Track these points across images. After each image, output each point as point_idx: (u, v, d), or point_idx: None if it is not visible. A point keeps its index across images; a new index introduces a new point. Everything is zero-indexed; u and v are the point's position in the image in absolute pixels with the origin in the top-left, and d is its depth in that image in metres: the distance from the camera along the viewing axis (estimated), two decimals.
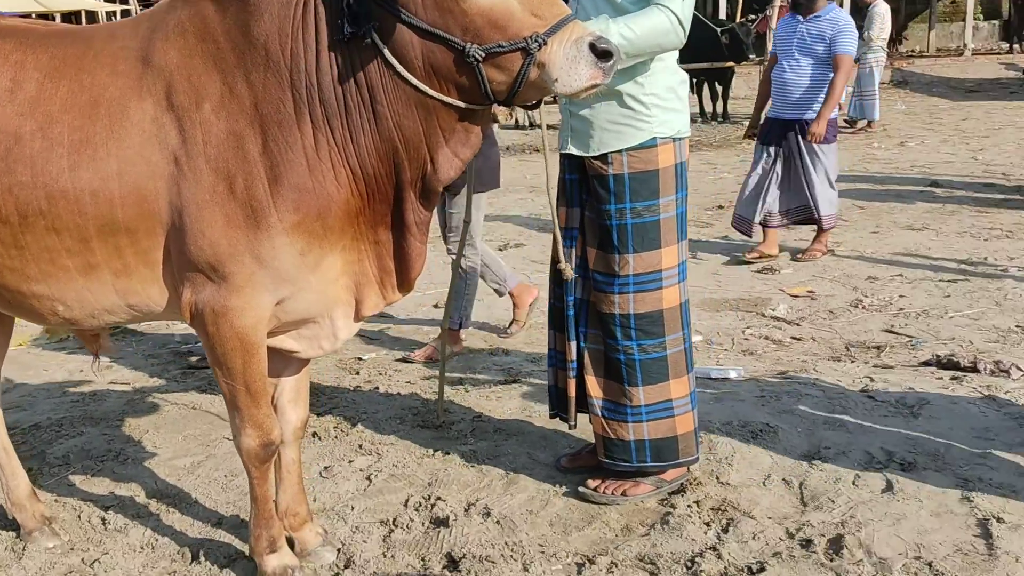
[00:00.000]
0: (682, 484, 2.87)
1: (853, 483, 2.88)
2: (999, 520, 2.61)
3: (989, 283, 5.19)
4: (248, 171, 2.09)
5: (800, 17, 5.79)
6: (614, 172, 2.63)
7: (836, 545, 2.54)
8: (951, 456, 3.02)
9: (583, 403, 2.86)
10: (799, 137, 5.72)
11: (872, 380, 3.75)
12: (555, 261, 2.79)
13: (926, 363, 3.97)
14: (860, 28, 8.33)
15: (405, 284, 2.32)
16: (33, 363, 4.56)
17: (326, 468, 3.17)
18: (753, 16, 14.40)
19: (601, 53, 1.99)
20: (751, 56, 13.87)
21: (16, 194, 2.14)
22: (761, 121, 6.06)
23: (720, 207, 7.64)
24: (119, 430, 3.61)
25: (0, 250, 2.20)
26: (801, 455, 3.08)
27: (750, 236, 5.99)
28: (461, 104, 2.07)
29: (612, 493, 2.80)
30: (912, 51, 22.13)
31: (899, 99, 15.38)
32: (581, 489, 2.85)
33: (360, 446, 3.33)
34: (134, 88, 2.13)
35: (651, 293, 2.70)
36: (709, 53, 12.62)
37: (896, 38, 19.82)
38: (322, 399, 3.78)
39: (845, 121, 11.48)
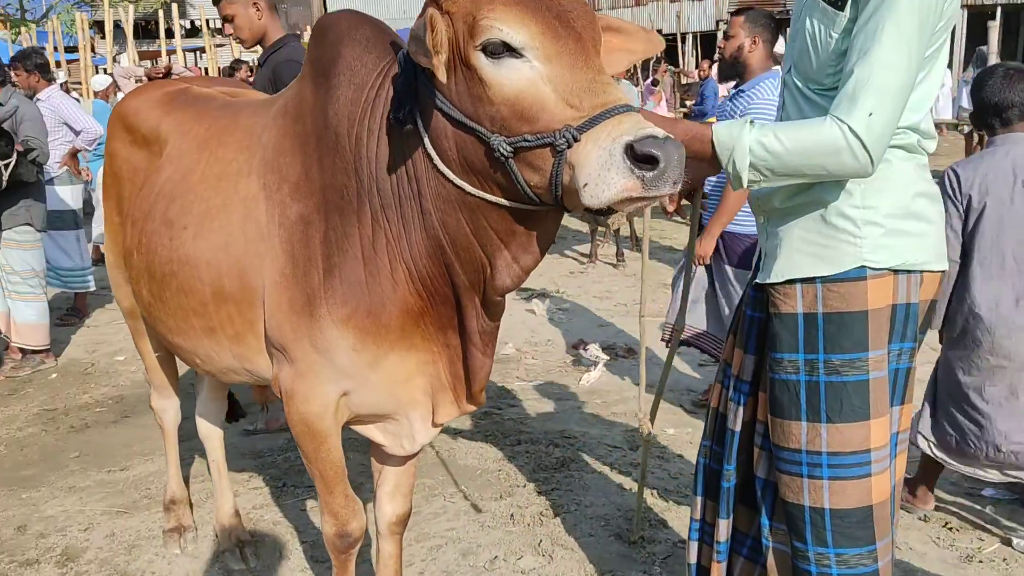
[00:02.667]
0: None
1: None
2: None
3: None
4: (308, 257, 2.04)
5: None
6: (804, 310, 1.92)
7: None
8: None
9: None
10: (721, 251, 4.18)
11: None
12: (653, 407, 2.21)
13: None
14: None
15: (470, 396, 2.10)
16: None
17: (492, 559, 3.03)
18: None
19: (641, 158, 1.53)
20: None
21: (159, 253, 2.38)
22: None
23: None
24: None
25: (150, 300, 2.47)
26: None
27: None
28: (505, 203, 1.78)
29: None
30: None
31: None
32: None
33: (539, 543, 3.12)
34: (246, 165, 2.21)
35: (855, 482, 1.92)
36: None
37: None
38: (527, 474, 3.63)
39: None
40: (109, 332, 6.23)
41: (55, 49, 16.20)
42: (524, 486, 3.62)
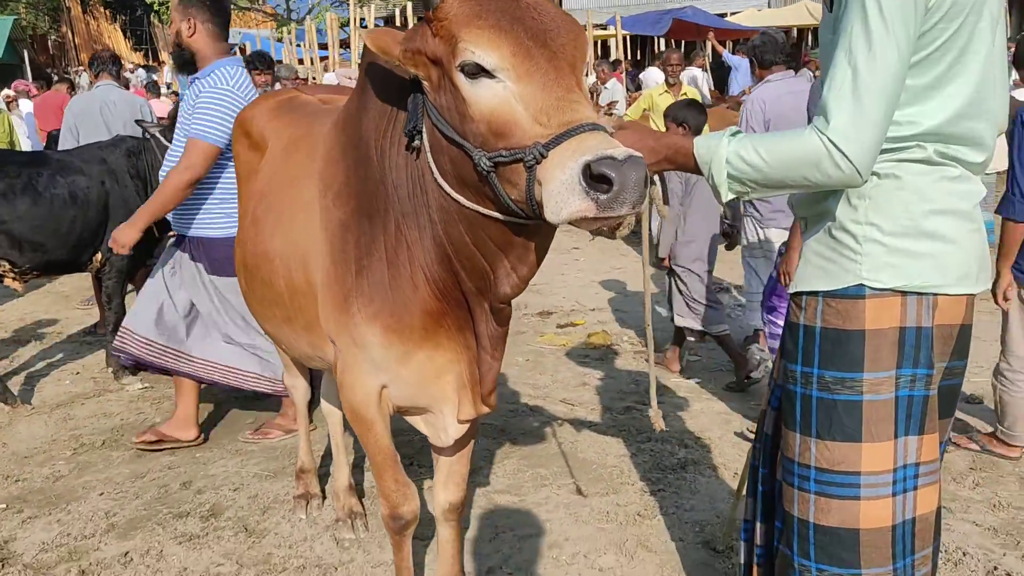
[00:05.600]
0: None
1: None
2: None
3: None
4: (345, 259, 2.22)
5: None
6: (806, 322, 1.89)
7: None
8: None
9: None
10: None
11: None
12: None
13: None
14: None
15: (483, 398, 2.19)
16: None
17: (574, 555, 3.08)
18: None
19: (597, 178, 1.53)
20: None
21: (249, 247, 2.67)
22: None
23: None
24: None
25: (246, 289, 2.78)
26: None
27: None
28: (498, 216, 1.85)
29: None
30: None
31: None
32: None
33: (624, 543, 3.13)
34: (308, 170, 2.43)
35: (841, 502, 1.85)
36: None
37: None
38: (641, 472, 3.60)
39: None
40: None
41: (308, 47, 17.76)
42: (633, 484, 3.63)
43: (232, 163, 3.44)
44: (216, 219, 3.84)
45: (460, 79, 1.75)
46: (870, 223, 1.79)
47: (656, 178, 2.01)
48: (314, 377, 3.75)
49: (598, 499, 3.51)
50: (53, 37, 28.87)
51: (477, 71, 1.71)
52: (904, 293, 1.78)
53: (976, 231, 1.81)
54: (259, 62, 7.59)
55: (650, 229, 2.17)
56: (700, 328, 5.00)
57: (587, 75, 13.26)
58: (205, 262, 3.88)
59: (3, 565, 3.20)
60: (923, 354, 1.81)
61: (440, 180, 1.91)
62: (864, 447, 1.84)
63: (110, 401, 4.98)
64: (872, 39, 1.62)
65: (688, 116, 4.80)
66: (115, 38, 31.01)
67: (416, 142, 1.95)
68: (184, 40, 3.69)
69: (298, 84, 10.10)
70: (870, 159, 1.65)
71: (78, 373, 5.52)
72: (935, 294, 1.79)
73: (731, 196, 1.81)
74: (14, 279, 4.92)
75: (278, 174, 2.63)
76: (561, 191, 1.58)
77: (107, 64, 6.72)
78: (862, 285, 1.79)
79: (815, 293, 1.86)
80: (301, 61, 17.38)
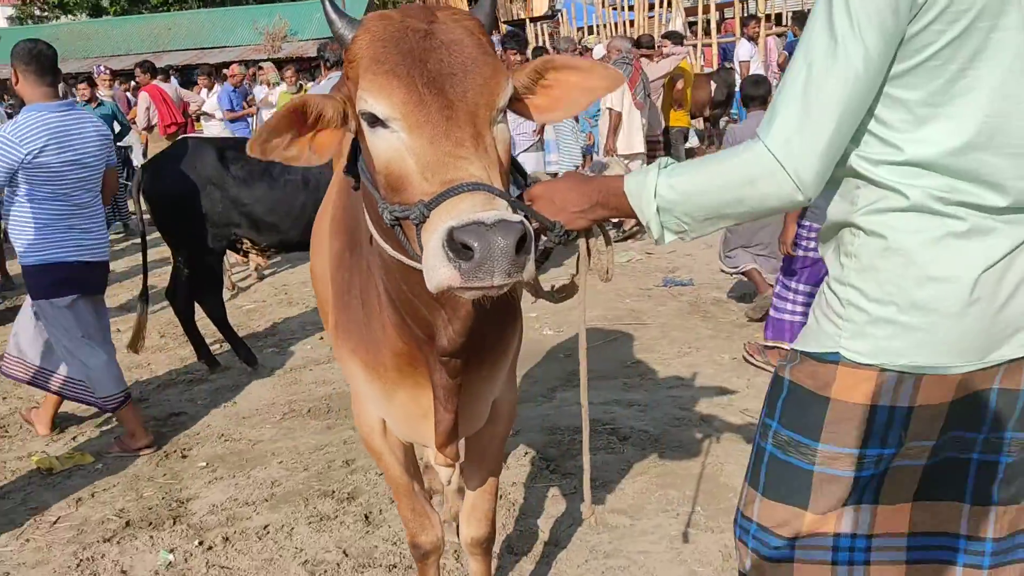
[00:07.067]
0: None
1: None
2: None
3: None
4: (337, 291, 2.23)
5: None
6: (779, 371, 1.66)
7: None
8: None
9: None
10: None
11: None
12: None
13: None
14: None
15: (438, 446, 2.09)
16: None
17: None
18: None
19: (459, 244, 1.39)
20: None
21: (314, 262, 2.77)
22: None
23: None
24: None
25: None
26: None
27: None
28: (416, 266, 1.70)
29: None
30: None
31: None
32: None
33: None
34: (330, 195, 2.47)
35: (775, 565, 1.64)
36: None
37: None
38: None
39: None
40: None
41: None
42: None
43: (36, 195, 4.07)
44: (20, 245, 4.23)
45: (364, 127, 1.66)
46: (853, 286, 1.52)
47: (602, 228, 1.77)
48: None
49: (707, 537, 3.22)
50: None
51: (374, 120, 1.62)
52: (885, 371, 1.50)
53: (980, 298, 1.45)
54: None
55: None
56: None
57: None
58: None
59: (175, 522, 3.71)
60: (893, 435, 1.54)
61: (370, 225, 1.85)
62: (808, 516, 1.61)
63: (334, 369, 5.47)
64: (835, 35, 1.36)
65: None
66: None
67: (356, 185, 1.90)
68: (12, 88, 4.26)
69: (576, 53, 10.13)
70: (814, 176, 1.40)
71: (321, 338, 6.12)
72: (921, 374, 1.49)
73: (670, 236, 1.59)
74: (257, 255, 5.57)
75: (327, 194, 2.72)
76: (430, 257, 1.45)
77: None
78: (838, 352, 1.54)
79: (796, 348, 1.65)
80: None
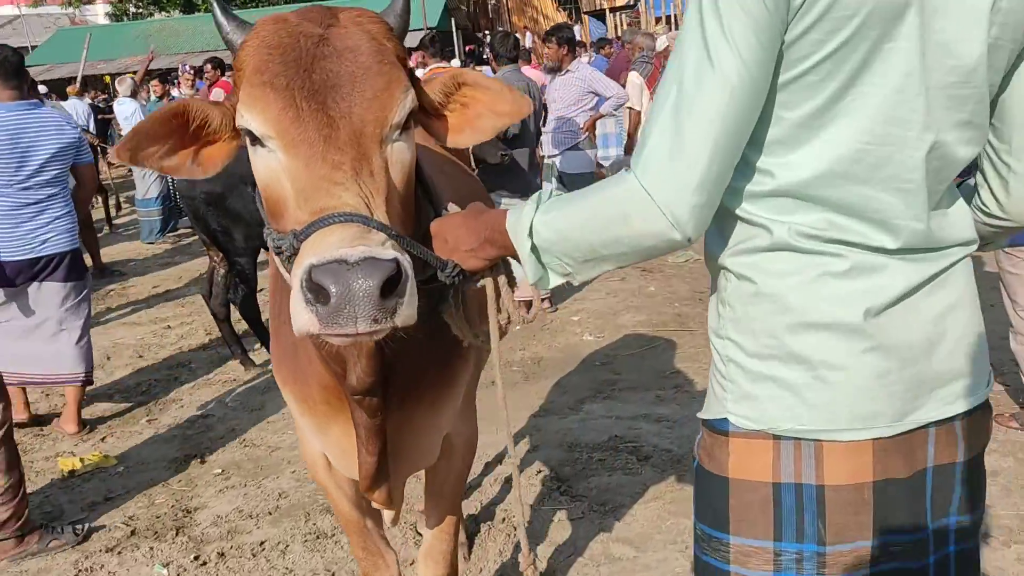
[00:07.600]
0: None
1: None
2: None
3: None
4: (273, 318, 2.07)
5: None
6: (695, 456, 1.40)
7: None
8: None
9: None
10: None
11: None
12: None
13: None
14: None
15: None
16: None
17: None
18: None
19: (316, 288, 1.22)
20: None
21: None
22: None
23: None
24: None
25: None
26: None
27: None
28: None
29: None
30: None
31: None
32: None
33: None
34: None
35: None
36: None
37: None
38: None
39: None
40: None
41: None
42: None
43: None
44: None
45: (247, 143, 1.49)
46: (731, 339, 1.29)
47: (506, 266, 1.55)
48: None
49: None
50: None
51: (253, 137, 1.44)
52: (778, 438, 1.25)
53: (870, 349, 1.20)
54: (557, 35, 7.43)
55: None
56: None
57: None
58: None
59: (177, 533, 3.65)
60: (809, 524, 1.26)
61: (272, 247, 1.68)
62: None
63: None
64: (706, 42, 1.13)
65: None
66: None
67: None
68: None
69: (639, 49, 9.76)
70: (690, 211, 1.16)
71: None
72: (817, 440, 1.23)
73: (556, 279, 1.35)
74: None
75: None
76: (293, 298, 1.27)
77: None
78: (726, 419, 1.30)
79: (702, 421, 1.39)
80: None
